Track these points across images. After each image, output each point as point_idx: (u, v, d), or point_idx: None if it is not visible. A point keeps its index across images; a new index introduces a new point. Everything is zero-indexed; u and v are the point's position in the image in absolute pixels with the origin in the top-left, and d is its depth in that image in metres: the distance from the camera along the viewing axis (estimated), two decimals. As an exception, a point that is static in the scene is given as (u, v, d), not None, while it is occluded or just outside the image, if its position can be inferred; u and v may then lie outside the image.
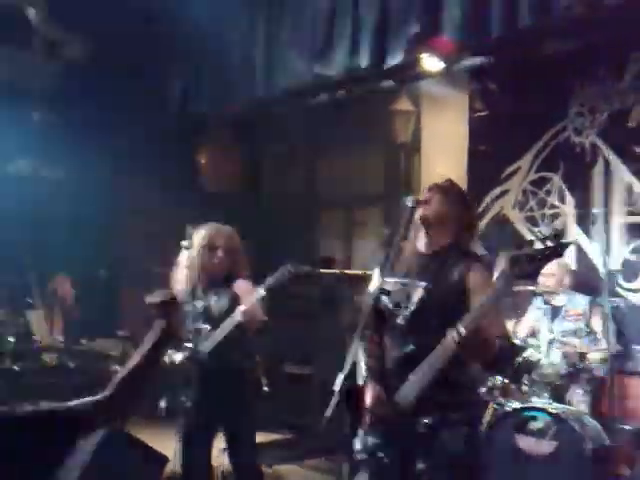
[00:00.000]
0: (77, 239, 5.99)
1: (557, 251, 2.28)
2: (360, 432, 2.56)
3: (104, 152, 6.32)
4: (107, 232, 6.54)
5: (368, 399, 2.53)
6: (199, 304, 3.53)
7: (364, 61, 4.83)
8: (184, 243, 3.83)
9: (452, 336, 2.33)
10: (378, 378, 2.57)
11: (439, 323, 2.44)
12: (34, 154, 6.28)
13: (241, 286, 3.54)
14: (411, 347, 2.51)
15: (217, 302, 3.54)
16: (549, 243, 2.27)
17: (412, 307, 2.53)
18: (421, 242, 2.63)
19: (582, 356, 4.38)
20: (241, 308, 3.39)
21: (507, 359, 3.96)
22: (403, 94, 6.42)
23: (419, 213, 2.59)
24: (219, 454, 5.13)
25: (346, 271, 5.71)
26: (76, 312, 5.32)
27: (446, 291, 2.52)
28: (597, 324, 4.56)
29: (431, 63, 5.85)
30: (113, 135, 6.35)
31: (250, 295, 3.42)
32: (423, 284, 2.54)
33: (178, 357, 3.51)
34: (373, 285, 2.64)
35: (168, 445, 3.73)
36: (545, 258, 2.26)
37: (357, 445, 2.56)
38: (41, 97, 6.05)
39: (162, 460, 3.95)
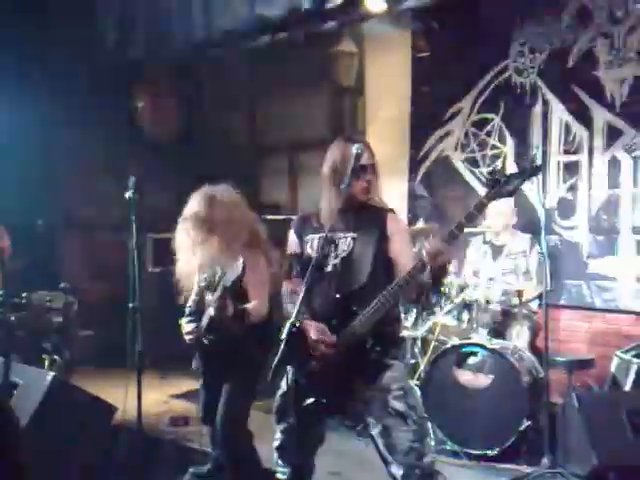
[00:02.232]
0: (13, 190, 5.79)
1: (532, 172, 2.51)
2: (289, 374, 2.67)
3: (38, 101, 6.09)
4: (44, 181, 6.34)
5: (311, 332, 2.62)
6: (203, 275, 3.51)
7: (306, 1, 4.72)
8: (128, 194, 3.77)
9: (432, 246, 2.44)
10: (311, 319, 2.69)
11: (366, 269, 2.65)
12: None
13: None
14: (344, 291, 2.66)
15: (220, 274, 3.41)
16: (525, 166, 2.53)
17: (341, 255, 2.69)
18: (340, 197, 2.68)
19: (519, 293, 4.54)
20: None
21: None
22: (346, 35, 6.33)
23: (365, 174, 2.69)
24: (167, 400, 5.27)
25: (292, 216, 5.72)
26: (15, 264, 5.20)
27: (371, 239, 2.69)
28: (533, 262, 4.70)
29: (373, 3, 5.77)
30: (47, 83, 6.12)
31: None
32: (350, 234, 2.71)
33: (188, 327, 3.49)
34: (292, 245, 2.85)
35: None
36: (522, 178, 2.45)
37: (283, 386, 2.72)
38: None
39: (110, 410, 3.97)
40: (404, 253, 2.68)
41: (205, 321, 3.36)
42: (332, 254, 2.70)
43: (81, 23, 5.82)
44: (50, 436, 3.68)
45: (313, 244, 2.74)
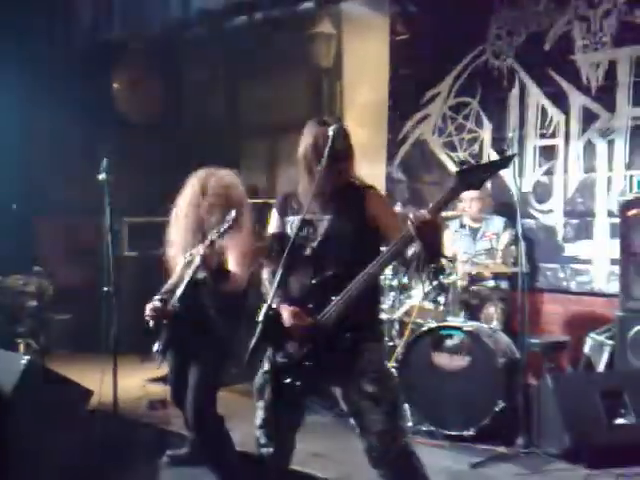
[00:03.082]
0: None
1: (502, 163, 2.50)
2: (269, 353, 2.67)
3: (13, 84, 5.99)
4: (20, 165, 6.25)
5: (286, 316, 2.62)
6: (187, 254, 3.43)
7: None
8: (101, 176, 3.73)
9: (416, 216, 2.38)
10: (288, 304, 2.67)
11: (347, 252, 2.62)
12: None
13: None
14: (323, 275, 2.64)
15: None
16: (495, 157, 2.42)
17: (319, 238, 2.67)
18: (315, 180, 2.68)
19: (479, 273, 4.59)
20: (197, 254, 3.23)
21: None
22: (324, 17, 6.29)
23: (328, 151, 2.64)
24: (145, 384, 5.25)
25: (270, 200, 5.70)
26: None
27: (351, 221, 2.66)
28: (502, 242, 4.74)
29: (351, -17, 5.75)
30: (23, 66, 6.01)
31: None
32: (328, 217, 2.68)
33: (155, 302, 3.41)
34: (274, 225, 2.83)
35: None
36: (491, 169, 2.46)
37: (265, 366, 2.71)
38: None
39: (86, 394, 3.95)
40: (390, 227, 2.63)
41: (181, 288, 3.31)
42: (311, 237, 2.68)
43: (58, 4, 5.72)
44: (25, 421, 3.65)
45: (293, 226, 2.72)
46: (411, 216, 2.39)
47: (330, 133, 2.64)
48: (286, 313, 2.62)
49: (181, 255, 3.48)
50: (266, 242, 2.89)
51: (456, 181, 2.41)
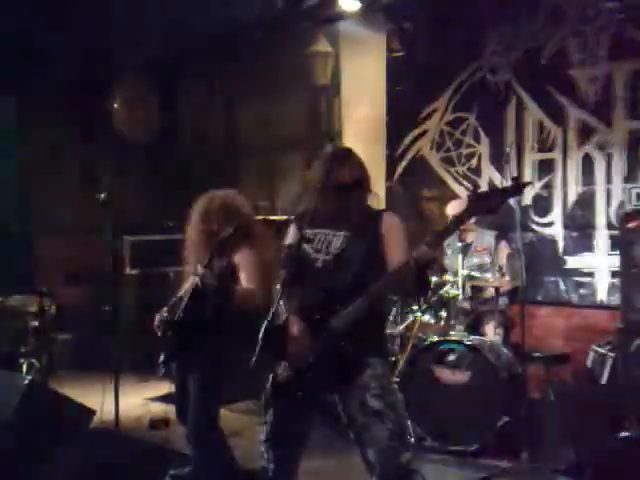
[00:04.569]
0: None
1: (516, 189, 2.47)
2: (277, 368, 2.66)
3: (15, 104, 6.04)
4: (18, 185, 6.27)
5: (292, 330, 2.63)
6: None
7: (280, 1, 4.73)
8: (101, 196, 3.75)
9: (416, 252, 2.45)
10: (297, 316, 2.69)
11: (357, 268, 2.64)
12: None
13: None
14: (331, 289, 2.65)
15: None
16: (509, 182, 2.44)
17: (334, 252, 2.70)
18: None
19: (495, 290, 4.58)
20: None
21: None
22: (321, 36, 6.35)
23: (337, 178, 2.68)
24: (146, 402, 5.24)
25: (270, 217, 5.72)
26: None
27: (364, 239, 2.69)
28: (501, 257, 4.73)
29: (348, 3, 5.81)
30: (24, 83, 6.06)
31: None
32: (342, 233, 2.71)
33: (157, 318, 3.44)
34: (290, 236, 2.84)
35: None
36: (505, 195, 2.43)
37: (271, 380, 2.70)
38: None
39: (88, 413, 3.93)
40: (395, 252, 2.66)
41: (184, 302, 3.32)
42: (323, 251, 2.71)
43: (58, 22, 5.77)
44: (27, 440, 3.64)
45: (307, 239, 2.74)
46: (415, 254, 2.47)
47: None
48: (291, 325, 2.63)
49: (191, 271, 3.50)
50: (280, 256, 2.90)
51: (467, 206, 2.43)
